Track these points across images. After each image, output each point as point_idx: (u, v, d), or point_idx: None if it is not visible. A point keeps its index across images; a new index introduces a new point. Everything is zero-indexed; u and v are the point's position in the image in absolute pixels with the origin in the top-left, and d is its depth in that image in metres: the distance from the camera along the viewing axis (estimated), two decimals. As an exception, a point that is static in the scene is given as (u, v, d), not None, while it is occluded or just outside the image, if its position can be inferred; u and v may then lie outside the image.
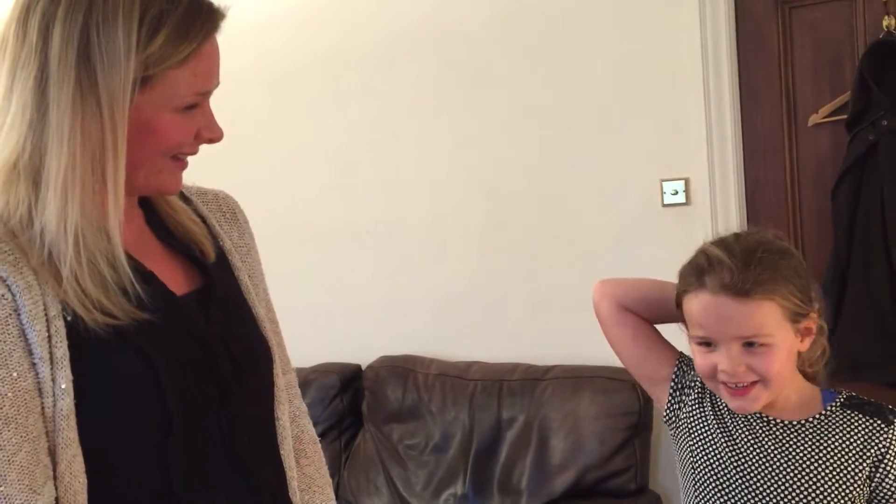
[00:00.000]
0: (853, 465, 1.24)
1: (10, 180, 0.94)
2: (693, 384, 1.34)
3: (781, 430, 1.26)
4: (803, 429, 1.26)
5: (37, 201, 0.94)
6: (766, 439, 1.26)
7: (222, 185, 1.25)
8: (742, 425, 1.28)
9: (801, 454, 1.25)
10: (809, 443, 1.25)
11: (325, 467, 1.27)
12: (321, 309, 2.97)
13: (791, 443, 1.26)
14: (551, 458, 2.56)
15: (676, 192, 2.58)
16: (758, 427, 1.27)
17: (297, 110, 3.08)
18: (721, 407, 1.30)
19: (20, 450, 0.90)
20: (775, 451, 1.25)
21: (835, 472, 1.23)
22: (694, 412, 1.32)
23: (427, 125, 2.93)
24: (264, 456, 1.11)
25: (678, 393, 1.34)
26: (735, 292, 1.20)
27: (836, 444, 1.25)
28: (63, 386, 0.92)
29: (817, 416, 1.27)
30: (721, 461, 1.27)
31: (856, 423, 1.26)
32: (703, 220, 2.55)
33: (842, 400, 1.29)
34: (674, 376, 1.35)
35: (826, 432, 1.26)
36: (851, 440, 1.25)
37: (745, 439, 1.27)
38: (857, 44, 2.40)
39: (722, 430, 1.29)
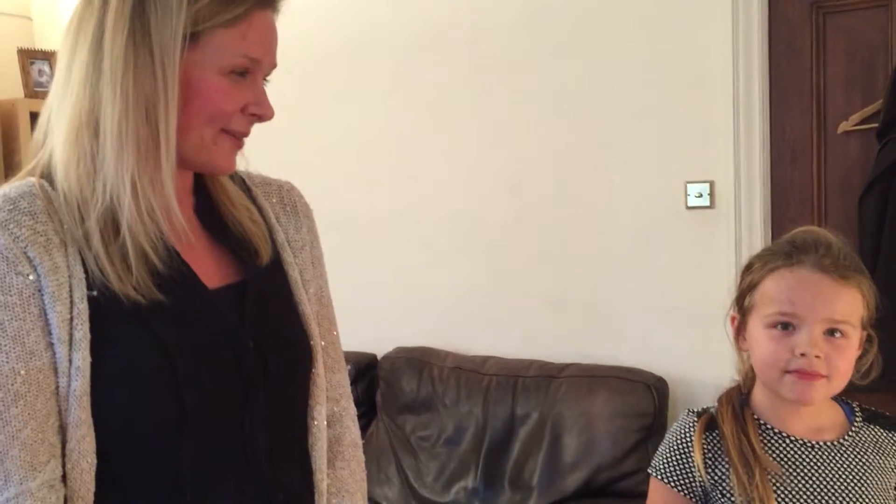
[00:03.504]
0: (887, 479, 1.26)
1: (77, 132, 0.97)
2: (718, 457, 1.28)
3: (825, 452, 1.26)
4: (843, 448, 1.26)
5: (98, 149, 0.96)
6: (814, 463, 1.25)
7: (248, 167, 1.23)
8: (788, 454, 1.26)
9: (847, 474, 1.25)
10: (851, 461, 1.25)
11: (363, 472, 1.22)
12: (339, 297, 2.93)
13: (836, 463, 1.25)
14: (563, 456, 2.55)
15: (701, 195, 2.56)
16: (803, 453, 1.26)
17: (321, 98, 3.09)
18: (765, 444, 1.27)
19: (26, 426, 0.91)
20: (824, 475, 1.24)
21: (877, 488, 1.24)
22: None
23: (452, 118, 2.92)
24: (289, 457, 1.09)
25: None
26: (837, 272, 1.20)
27: (873, 460, 1.26)
28: (79, 366, 0.92)
29: (850, 434, 1.27)
30: (778, 493, 1.24)
31: (884, 439, 1.28)
32: (726, 224, 2.54)
33: (860, 413, 1.30)
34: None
35: (862, 450, 1.26)
36: (884, 456, 1.27)
37: (795, 467, 1.25)
38: (891, 52, 2.37)
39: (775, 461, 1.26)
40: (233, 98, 1.00)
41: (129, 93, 0.95)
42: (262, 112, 1.03)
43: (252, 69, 1.01)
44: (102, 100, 0.96)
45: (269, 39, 1.03)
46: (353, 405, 1.24)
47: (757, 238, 2.49)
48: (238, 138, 1.04)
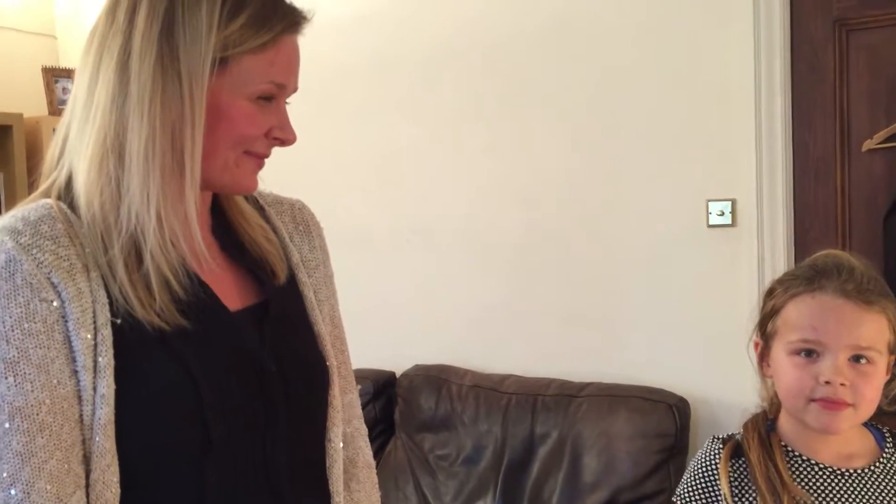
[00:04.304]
0: None
1: (102, 158, 0.96)
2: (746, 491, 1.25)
3: (856, 480, 1.23)
4: (874, 475, 1.23)
5: (123, 176, 0.95)
6: (844, 492, 1.22)
7: (261, 185, 1.23)
8: (817, 482, 1.23)
9: (878, 502, 1.22)
10: (883, 489, 1.22)
11: (377, 493, 1.22)
12: (357, 315, 2.93)
13: (867, 491, 1.22)
14: (583, 476, 2.53)
15: (722, 213, 2.54)
16: (832, 481, 1.23)
17: (338, 117, 3.10)
18: (793, 471, 1.24)
19: (52, 457, 0.89)
20: (855, 503, 1.22)
21: None
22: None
23: (469, 135, 2.92)
24: (309, 479, 1.08)
25: None
26: (860, 298, 1.18)
27: None
28: (103, 394, 0.91)
29: (881, 461, 1.24)
30: None
31: None
32: (748, 243, 2.51)
33: (891, 439, 1.27)
34: None
35: (894, 476, 1.23)
36: None
37: (825, 495, 1.22)
38: (915, 69, 2.35)
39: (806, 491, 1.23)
40: (258, 123, 1.00)
41: (156, 118, 0.94)
42: (285, 136, 1.04)
43: (277, 94, 1.02)
44: (128, 125, 0.95)
45: (295, 65, 1.03)
46: (364, 425, 1.24)
47: (780, 257, 2.46)
48: (259, 158, 1.04)
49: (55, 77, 3.52)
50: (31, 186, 1.04)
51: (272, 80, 1.00)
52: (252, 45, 0.97)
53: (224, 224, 1.10)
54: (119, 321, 0.93)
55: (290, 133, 1.04)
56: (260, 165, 1.05)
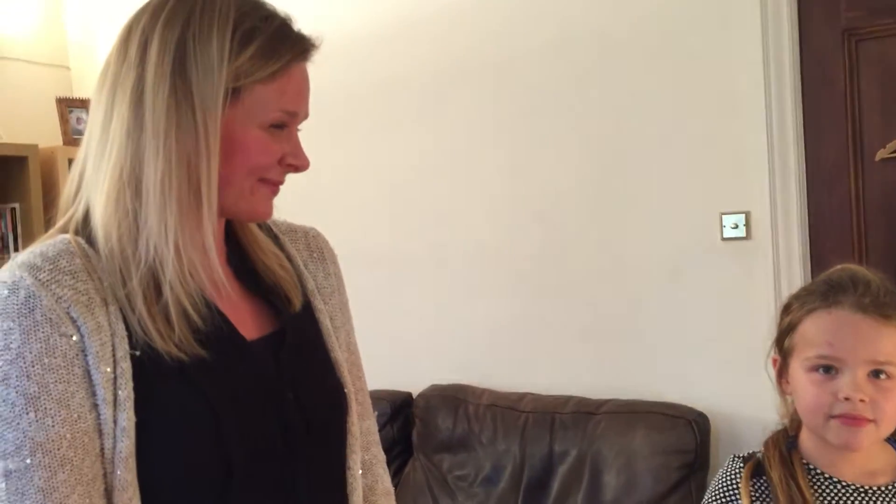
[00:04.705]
0: None
1: (118, 192, 0.97)
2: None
3: (880, 498, 1.21)
4: None
5: (140, 209, 0.96)
6: None
7: (275, 211, 1.24)
8: (840, 500, 1.21)
9: None
10: None
11: None
12: (372, 336, 2.94)
13: None
14: (604, 494, 2.51)
15: (736, 226, 2.53)
16: (855, 499, 1.21)
17: (350, 138, 3.11)
18: (815, 489, 1.22)
19: (73, 492, 0.90)
20: None
21: None
22: None
23: (481, 153, 2.93)
24: None
25: None
26: (877, 312, 1.16)
27: None
28: (124, 426, 0.92)
29: None
30: None
31: None
32: (763, 256, 2.50)
33: None
34: None
35: None
36: None
37: None
38: (926, 77, 2.34)
39: None
40: (271, 151, 1.01)
41: (171, 151, 0.95)
42: (298, 163, 1.04)
43: (289, 122, 1.03)
44: (144, 159, 0.96)
45: (305, 92, 1.04)
46: (382, 452, 1.23)
47: (796, 269, 2.45)
48: (274, 186, 1.05)
49: (69, 107, 3.55)
50: (49, 222, 1.05)
51: (283, 109, 1.01)
52: (263, 74, 0.98)
53: (238, 253, 1.10)
54: (138, 353, 0.94)
55: (304, 159, 1.05)
56: (275, 192, 1.06)
